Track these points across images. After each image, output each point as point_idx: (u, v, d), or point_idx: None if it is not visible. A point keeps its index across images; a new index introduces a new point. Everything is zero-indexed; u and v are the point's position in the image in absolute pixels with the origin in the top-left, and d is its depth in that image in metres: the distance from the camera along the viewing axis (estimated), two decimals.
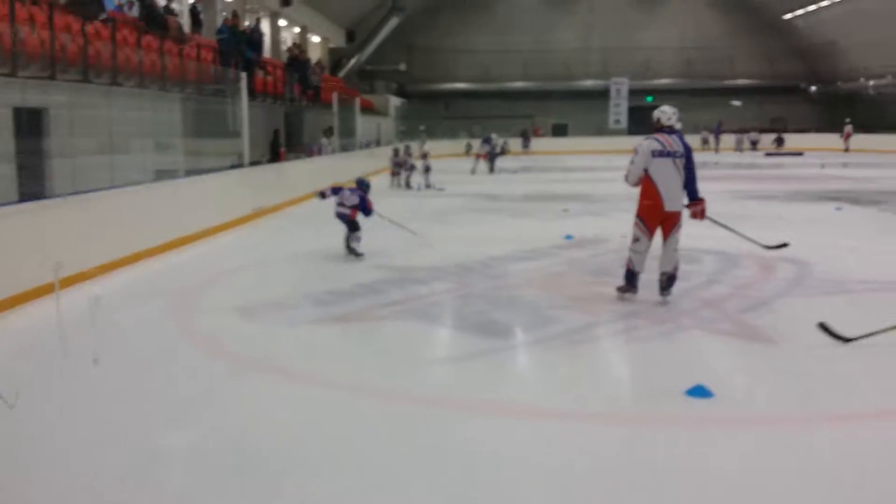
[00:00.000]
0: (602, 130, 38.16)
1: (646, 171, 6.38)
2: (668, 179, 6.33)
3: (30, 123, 8.80)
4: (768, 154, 33.78)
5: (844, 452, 3.68)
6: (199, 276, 8.05)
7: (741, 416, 4.17)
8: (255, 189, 13.06)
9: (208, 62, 14.09)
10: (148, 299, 7.03)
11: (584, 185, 18.88)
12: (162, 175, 10.43)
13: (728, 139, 36.60)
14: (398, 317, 6.32)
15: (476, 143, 26.76)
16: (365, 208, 9.06)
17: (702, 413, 4.13)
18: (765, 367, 4.97)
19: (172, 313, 6.59)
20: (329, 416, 4.22)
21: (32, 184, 8.40)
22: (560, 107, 41.21)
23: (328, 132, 20.84)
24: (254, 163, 13.80)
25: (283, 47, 25.26)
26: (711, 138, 36.32)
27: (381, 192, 18.37)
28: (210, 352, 5.48)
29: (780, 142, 36.35)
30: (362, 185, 9.39)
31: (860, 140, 33.70)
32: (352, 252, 8.94)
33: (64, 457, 3.69)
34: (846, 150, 33.59)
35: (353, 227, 9.02)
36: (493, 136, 25.05)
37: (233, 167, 12.85)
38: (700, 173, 6.62)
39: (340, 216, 9.04)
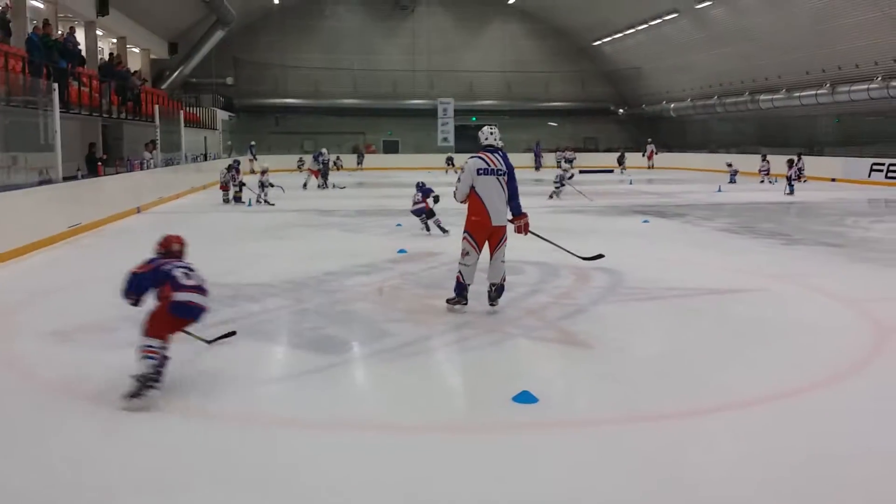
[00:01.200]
0: (431, 148, 39.05)
1: (472, 188, 6.68)
2: (493, 196, 6.66)
3: None
4: (583, 171, 35.98)
5: (663, 448, 3.98)
6: (9, 298, 7.45)
7: (564, 418, 4.43)
8: (71, 205, 12.24)
9: (17, 72, 13.06)
10: None
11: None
12: None
13: (551, 157, 38.70)
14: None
15: (308, 159, 26.57)
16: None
17: (527, 418, 4.35)
18: (583, 371, 5.34)
19: None
20: (150, 447, 4.00)
21: None
22: (390, 124, 41.78)
23: (150, 145, 19.89)
24: (68, 178, 12.93)
25: (101, 58, 23.85)
26: (563, 161, 38.24)
27: (212, 208, 17.83)
28: (19, 379, 5.10)
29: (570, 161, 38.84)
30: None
31: (663, 158, 36.73)
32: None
33: None
34: (650, 167, 36.46)
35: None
36: (324, 151, 24.99)
37: (43, 182, 11.97)
38: (522, 189, 7.00)
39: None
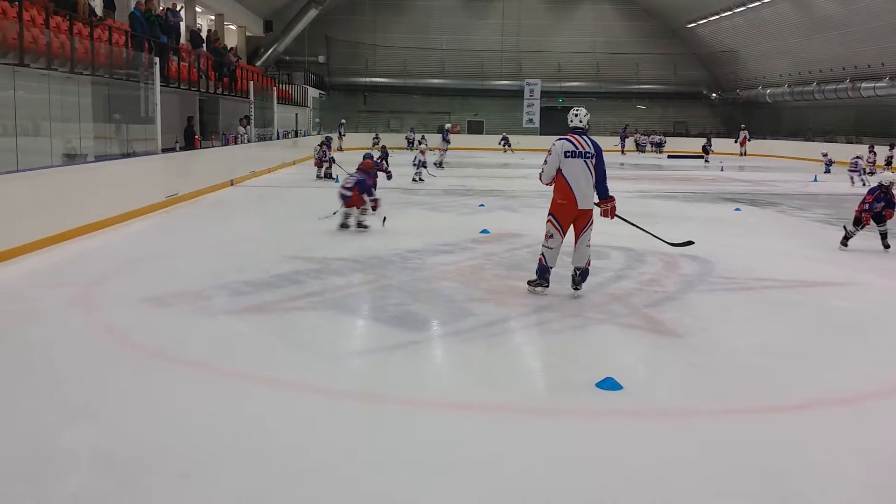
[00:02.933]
0: (516, 129, 38.76)
1: (559, 170, 6.61)
2: (580, 178, 6.58)
3: None
4: (671, 156, 35.04)
5: (750, 444, 3.85)
6: (108, 265, 7.82)
7: (649, 407, 4.35)
8: (169, 176, 12.73)
9: (120, 46, 13.61)
10: (53, 287, 6.79)
11: (499, 182, 19.18)
12: (71, 159, 10.05)
13: (633, 141, 37.91)
14: (316, 308, 6.33)
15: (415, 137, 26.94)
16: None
17: (611, 405, 4.29)
18: (671, 360, 5.21)
19: (79, 302, 6.38)
20: (241, 410, 4.16)
21: None
22: (476, 105, 41.68)
23: (244, 121, 20.47)
24: (167, 149, 13.44)
25: (197, 33, 24.61)
26: (649, 145, 37.38)
27: (302, 183, 18.23)
28: (118, 343, 5.35)
29: (659, 145, 37.62)
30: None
31: (756, 145, 35.39)
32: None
33: None
34: (742, 153, 35.18)
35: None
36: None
37: (145, 154, 12.48)
38: (608, 173, 6.87)
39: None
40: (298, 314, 6.17)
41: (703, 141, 33.11)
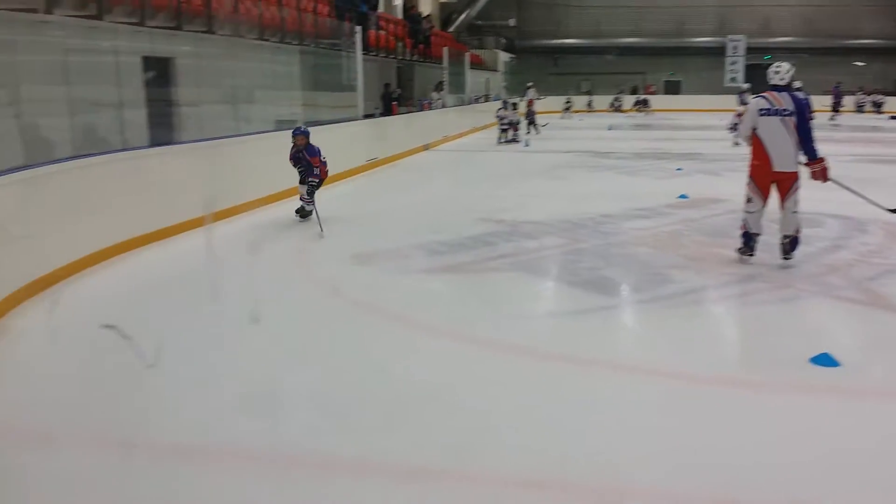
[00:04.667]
0: (716, 88, 36.58)
1: (754, 130, 6.18)
2: (776, 138, 6.09)
3: (158, 72, 9.19)
4: (893, 117, 31.56)
5: None
6: (313, 223, 8.33)
7: (871, 388, 3.99)
8: (369, 141, 13.32)
9: (324, 16, 14.32)
10: (268, 244, 7.34)
11: (697, 144, 18.25)
12: (282, 125, 10.76)
13: (849, 101, 34.42)
14: (508, 269, 6.38)
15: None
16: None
17: (828, 382, 3.98)
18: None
19: (292, 258, 6.87)
20: (439, 364, 4.31)
21: (161, 130, 8.83)
22: (672, 64, 39.75)
23: (439, 87, 20.92)
24: (367, 115, 14.04)
25: (395, 2, 25.35)
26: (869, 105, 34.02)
27: (491, 147, 18.42)
28: (329, 297, 5.71)
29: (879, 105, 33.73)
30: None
31: None
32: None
33: (188, 387, 3.95)
34: None
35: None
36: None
37: (348, 120, 13.12)
38: (818, 135, 6.30)
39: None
40: (492, 275, 6.26)
41: None
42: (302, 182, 8.26)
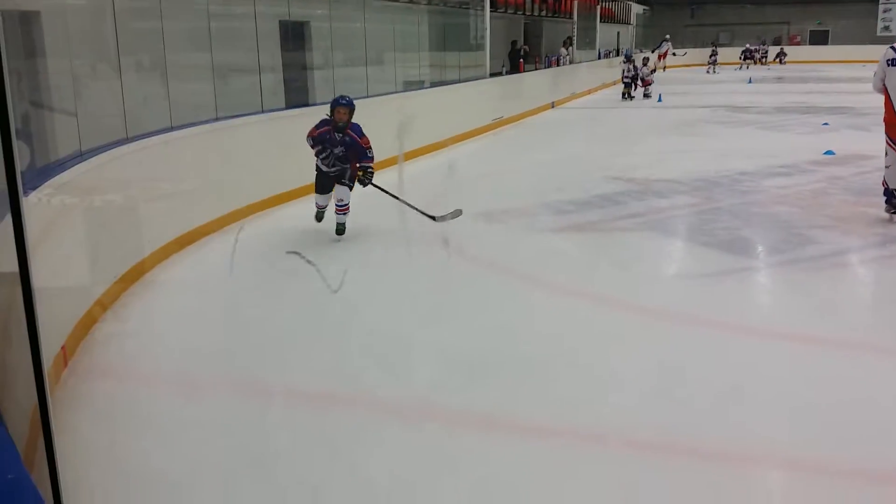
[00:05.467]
0: (866, 38, 33.80)
1: (884, 82, 5.86)
2: None
3: (294, 36, 9.46)
4: None
5: None
6: (444, 182, 8.41)
7: None
8: (495, 100, 13.26)
9: None
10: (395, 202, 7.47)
11: (846, 98, 17.01)
12: (410, 86, 10.88)
13: None
14: (639, 229, 6.23)
15: None
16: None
17: None
18: None
19: (418, 217, 6.96)
20: (565, 323, 4.27)
21: (296, 92, 9.12)
22: (819, 12, 36.98)
23: (567, 42, 20.46)
24: (494, 74, 13.95)
25: None
26: None
27: (620, 104, 17.91)
28: (455, 254, 5.76)
29: None
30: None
31: None
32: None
33: (321, 336, 4.10)
34: None
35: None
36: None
37: (475, 79, 13.10)
38: None
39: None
40: (620, 234, 6.13)
41: None
42: (340, 179, 5.82)
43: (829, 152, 9.32)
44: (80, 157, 4.64)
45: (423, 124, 10.17)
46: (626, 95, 18.52)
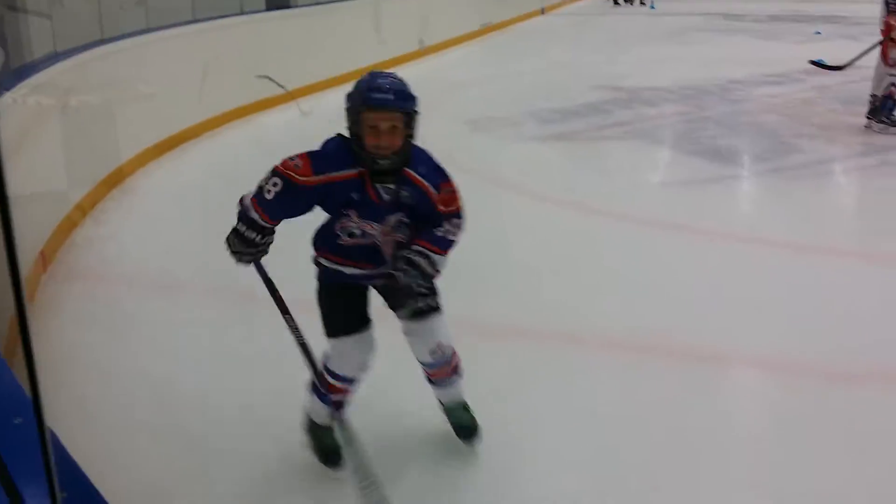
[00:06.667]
0: None
1: None
2: None
3: None
4: None
5: None
6: (429, 89, 8.23)
7: None
8: (482, 5, 12.89)
9: None
10: None
11: (840, 6, 16.67)
12: None
13: None
14: (624, 137, 6.18)
15: None
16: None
17: None
18: None
19: None
20: (551, 232, 4.23)
21: None
22: None
23: None
24: None
25: None
26: None
27: (611, 10, 17.48)
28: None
29: None
30: None
31: None
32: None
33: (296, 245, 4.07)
34: None
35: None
36: None
37: None
38: None
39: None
40: (605, 143, 6.09)
41: None
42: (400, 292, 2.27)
43: (819, 61, 9.17)
44: (56, 57, 4.51)
45: (405, 31, 9.90)
46: (617, 1, 18.06)
